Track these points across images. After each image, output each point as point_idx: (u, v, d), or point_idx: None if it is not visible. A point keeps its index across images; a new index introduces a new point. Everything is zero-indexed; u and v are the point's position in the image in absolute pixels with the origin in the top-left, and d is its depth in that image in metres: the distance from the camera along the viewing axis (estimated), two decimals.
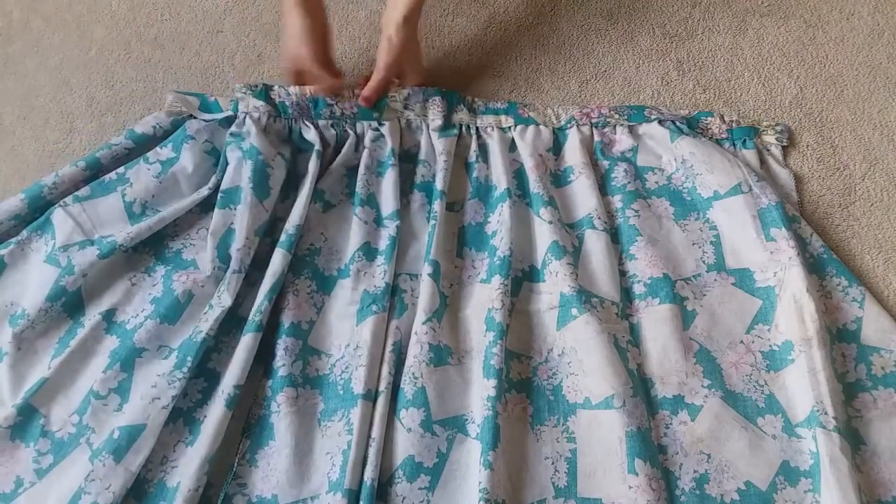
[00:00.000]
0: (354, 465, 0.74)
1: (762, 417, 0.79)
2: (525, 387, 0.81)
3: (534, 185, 0.92)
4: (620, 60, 1.06)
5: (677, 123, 0.96)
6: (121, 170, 0.93)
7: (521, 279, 0.87)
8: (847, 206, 0.93)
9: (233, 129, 0.94)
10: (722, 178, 0.91)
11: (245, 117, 0.95)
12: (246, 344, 0.80)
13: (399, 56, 0.94)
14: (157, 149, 0.94)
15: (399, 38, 0.93)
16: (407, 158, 0.97)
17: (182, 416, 0.80)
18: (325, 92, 0.96)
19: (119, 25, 1.13)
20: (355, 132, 0.97)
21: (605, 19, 1.09)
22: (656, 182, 0.94)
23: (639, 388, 0.78)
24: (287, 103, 0.97)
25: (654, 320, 0.83)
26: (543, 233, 0.89)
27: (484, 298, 0.85)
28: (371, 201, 0.92)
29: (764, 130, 0.98)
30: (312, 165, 0.93)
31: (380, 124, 0.96)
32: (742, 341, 0.83)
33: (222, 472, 0.77)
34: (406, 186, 0.94)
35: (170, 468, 0.77)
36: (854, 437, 0.78)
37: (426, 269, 0.85)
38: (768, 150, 0.97)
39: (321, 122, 0.97)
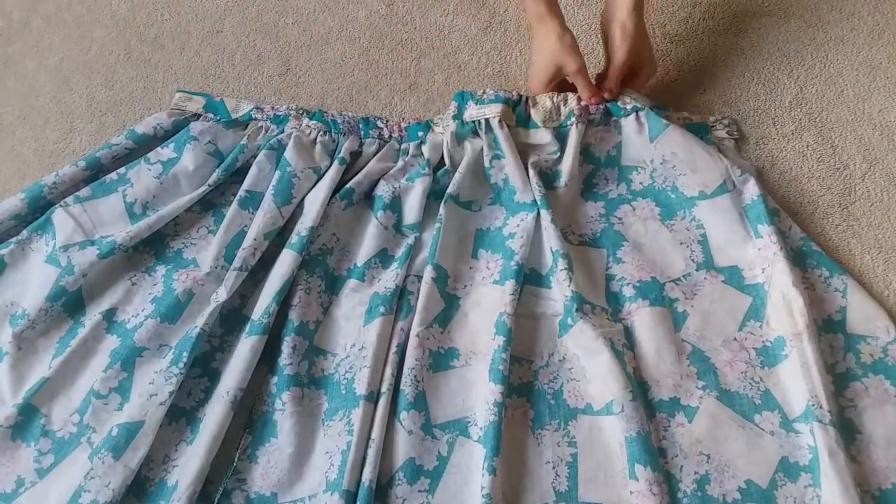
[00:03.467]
0: (353, 466, 0.74)
1: (759, 414, 0.79)
2: (526, 391, 0.81)
3: (535, 189, 0.91)
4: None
5: (653, 110, 0.93)
6: (122, 170, 0.93)
7: (522, 282, 0.87)
8: (847, 206, 0.93)
9: (273, 141, 0.95)
10: (707, 177, 0.90)
11: (282, 132, 0.96)
12: (250, 346, 0.80)
13: (635, 42, 0.91)
14: (159, 149, 0.94)
15: (633, 22, 0.90)
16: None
17: (185, 416, 0.80)
18: (596, 99, 0.93)
19: (119, 25, 1.13)
20: (398, 149, 0.97)
21: None
22: (641, 183, 0.93)
23: (637, 391, 0.78)
24: (339, 122, 0.98)
25: (647, 322, 0.83)
26: (545, 238, 0.88)
27: (495, 301, 0.84)
28: (395, 206, 0.92)
29: (713, 126, 0.97)
30: (333, 171, 0.93)
31: (422, 143, 0.96)
32: (735, 339, 0.83)
33: (222, 466, 0.78)
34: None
35: (171, 467, 0.77)
36: (848, 427, 0.78)
37: (430, 273, 0.85)
38: (723, 145, 0.96)
39: (367, 141, 0.97)
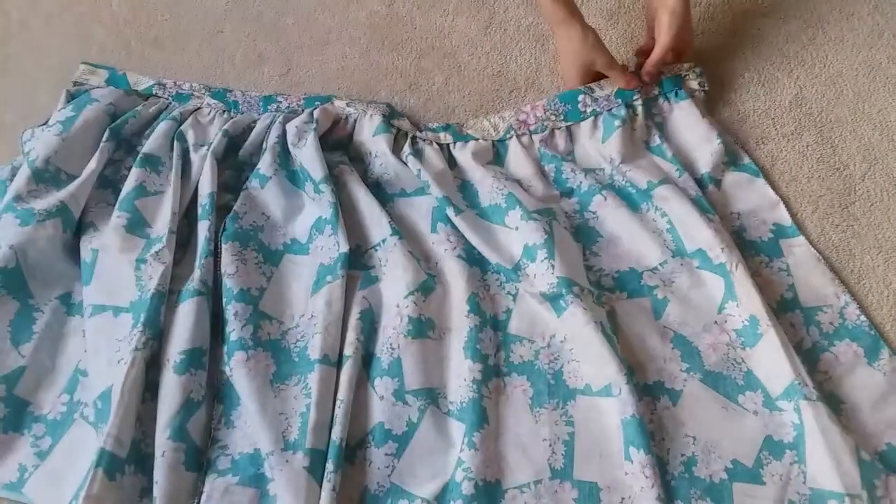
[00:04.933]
0: (317, 426, 0.76)
1: (742, 395, 0.80)
2: (526, 370, 0.82)
3: (489, 196, 0.92)
4: (620, 60, 1.05)
5: (612, 111, 0.97)
6: (32, 146, 0.94)
7: (519, 265, 0.88)
8: (847, 206, 0.93)
9: (175, 114, 0.98)
10: (651, 173, 0.92)
11: (181, 110, 0.99)
12: (186, 310, 0.81)
13: (682, 27, 0.93)
14: (57, 112, 0.96)
15: (682, 8, 0.92)
16: (335, 146, 0.98)
17: (153, 389, 0.80)
18: (632, 84, 0.96)
19: (119, 25, 1.13)
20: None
21: (605, 19, 1.09)
22: (603, 179, 0.95)
23: (629, 375, 0.79)
24: (238, 101, 1.01)
25: (626, 311, 0.85)
26: (513, 241, 0.89)
27: (463, 276, 0.86)
28: (304, 174, 0.93)
29: (686, 76, 0.98)
30: (216, 141, 0.94)
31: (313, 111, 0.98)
32: (716, 322, 0.84)
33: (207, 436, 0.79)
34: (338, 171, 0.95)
35: (150, 440, 0.77)
36: (832, 400, 0.79)
37: (404, 247, 0.87)
38: (695, 97, 0.97)
39: (264, 115, 0.99)
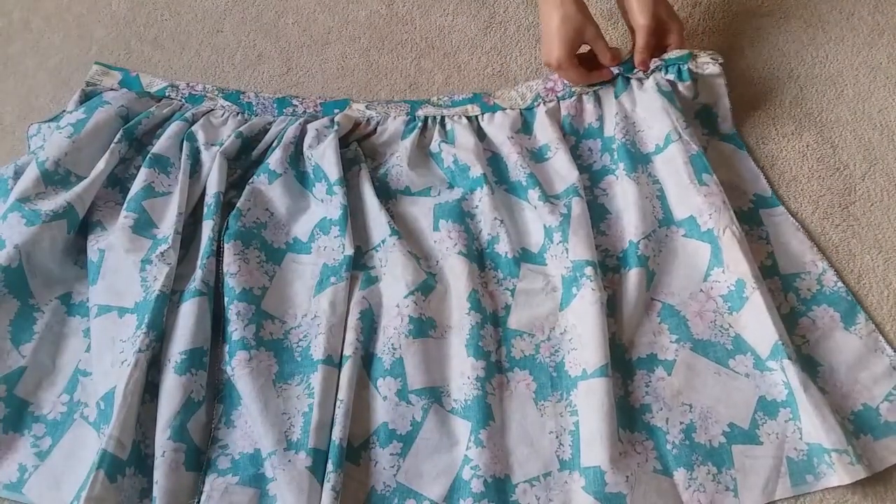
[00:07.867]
0: (319, 426, 0.76)
1: (733, 359, 0.81)
2: (528, 364, 0.83)
3: (513, 172, 0.94)
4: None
5: (621, 72, 0.96)
6: (39, 142, 0.95)
7: (518, 259, 0.88)
8: (847, 206, 0.93)
9: (187, 115, 0.97)
10: (657, 133, 0.92)
11: (196, 109, 0.99)
12: (188, 310, 0.81)
13: (655, 5, 0.91)
14: (69, 113, 0.95)
15: None
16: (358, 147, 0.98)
17: (154, 390, 0.80)
18: (614, 62, 0.95)
19: (119, 25, 1.13)
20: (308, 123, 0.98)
21: (605, 19, 1.09)
22: (617, 147, 0.94)
23: (611, 358, 0.80)
24: (252, 103, 1.00)
25: (624, 287, 0.85)
26: (536, 217, 0.90)
27: (464, 273, 0.86)
28: (318, 174, 0.93)
29: (697, 55, 0.95)
30: (228, 142, 0.94)
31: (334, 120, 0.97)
32: (702, 290, 0.85)
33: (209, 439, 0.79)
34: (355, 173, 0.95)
35: (150, 441, 0.78)
36: (809, 363, 0.81)
37: (403, 247, 0.87)
38: (703, 71, 0.94)
39: (279, 119, 0.98)
